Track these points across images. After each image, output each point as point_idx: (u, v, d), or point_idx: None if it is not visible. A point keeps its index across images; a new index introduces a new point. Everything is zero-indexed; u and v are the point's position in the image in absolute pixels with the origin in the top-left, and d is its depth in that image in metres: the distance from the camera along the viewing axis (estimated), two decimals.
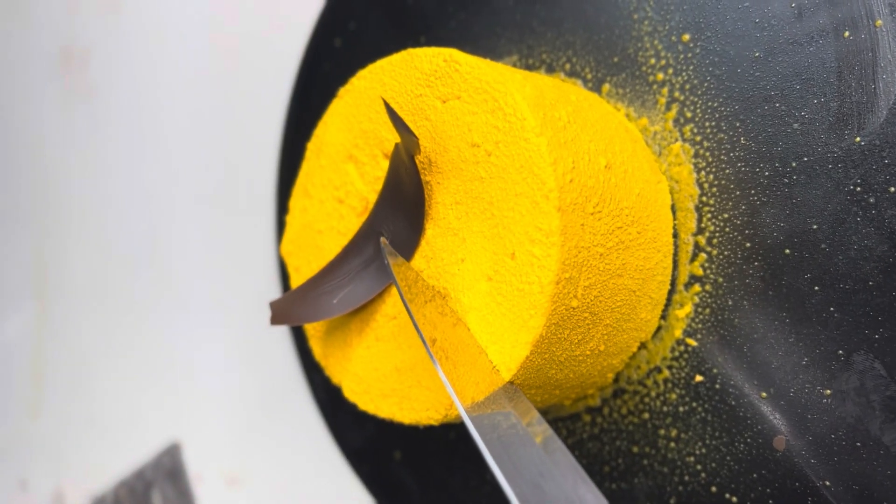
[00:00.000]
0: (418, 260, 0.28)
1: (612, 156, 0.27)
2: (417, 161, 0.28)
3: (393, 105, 0.29)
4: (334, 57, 0.41)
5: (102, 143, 0.62)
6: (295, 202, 0.32)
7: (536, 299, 0.25)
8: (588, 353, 0.28)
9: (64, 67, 0.65)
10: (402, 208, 0.28)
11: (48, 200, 0.67)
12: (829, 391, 0.27)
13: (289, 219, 0.32)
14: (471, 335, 0.26)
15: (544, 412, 0.33)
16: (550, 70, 0.34)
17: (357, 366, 0.30)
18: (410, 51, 0.28)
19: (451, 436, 0.37)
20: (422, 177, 0.28)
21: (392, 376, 0.29)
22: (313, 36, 0.41)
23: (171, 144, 0.58)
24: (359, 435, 0.41)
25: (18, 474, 0.64)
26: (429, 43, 0.38)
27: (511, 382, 0.26)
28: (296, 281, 0.32)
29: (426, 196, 0.28)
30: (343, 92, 0.30)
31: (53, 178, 0.67)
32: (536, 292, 0.25)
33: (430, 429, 0.38)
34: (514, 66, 0.35)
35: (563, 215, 0.25)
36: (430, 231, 0.28)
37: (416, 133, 0.28)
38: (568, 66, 0.33)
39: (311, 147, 0.31)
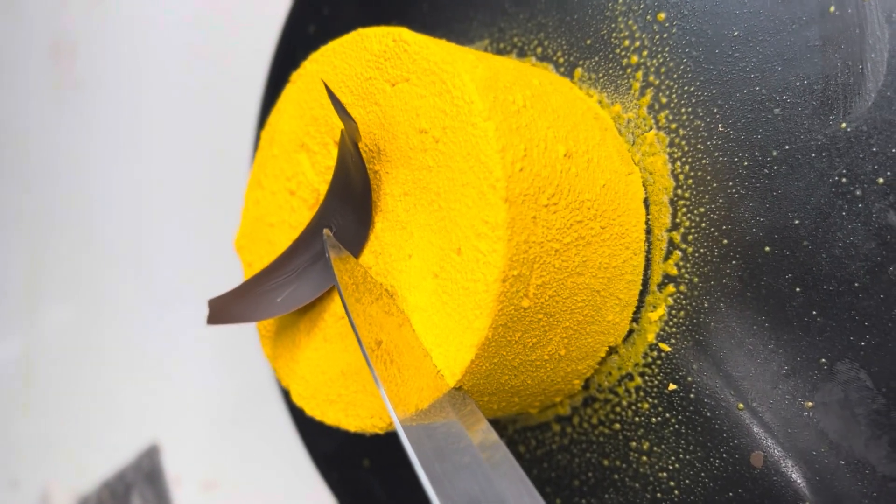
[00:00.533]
0: (367, 255, 0.26)
1: (573, 143, 0.25)
2: (365, 149, 0.26)
3: (343, 90, 0.27)
4: (309, 44, 0.39)
5: (90, 138, 0.61)
6: (249, 194, 0.30)
7: (481, 298, 0.23)
8: (546, 357, 0.26)
9: (54, 62, 0.64)
10: (349, 200, 0.26)
11: (36, 197, 0.67)
12: (810, 403, 0.24)
13: (243, 212, 0.30)
14: (416, 337, 0.24)
15: (511, 420, 0.31)
16: (522, 54, 0.32)
17: (304, 368, 0.28)
18: (360, 31, 0.26)
19: None
20: (371, 166, 0.26)
21: (338, 380, 0.27)
22: (287, 23, 0.40)
23: (151, 139, 0.57)
24: (330, 441, 0.39)
25: (10, 473, 0.64)
26: (401, 26, 0.36)
27: (459, 388, 0.24)
28: (249, 277, 0.30)
29: (375, 187, 0.26)
30: (295, 76, 0.28)
31: (39, 175, 0.66)
32: (481, 291, 0.23)
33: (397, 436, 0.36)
34: (486, 50, 0.33)
35: (510, 207, 0.23)
36: (380, 224, 0.26)
37: (366, 119, 0.26)
38: (539, 49, 0.31)
39: (264, 135, 0.29)
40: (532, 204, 0.23)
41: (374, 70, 0.26)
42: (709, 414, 0.26)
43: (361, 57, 0.26)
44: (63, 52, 0.64)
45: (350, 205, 0.26)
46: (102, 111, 0.61)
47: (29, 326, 0.67)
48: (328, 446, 0.39)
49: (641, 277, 0.27)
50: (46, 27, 0.65)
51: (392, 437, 0.36)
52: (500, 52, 0.33)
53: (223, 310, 0.27)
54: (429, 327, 0.24)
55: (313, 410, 0.28)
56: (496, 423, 0.32)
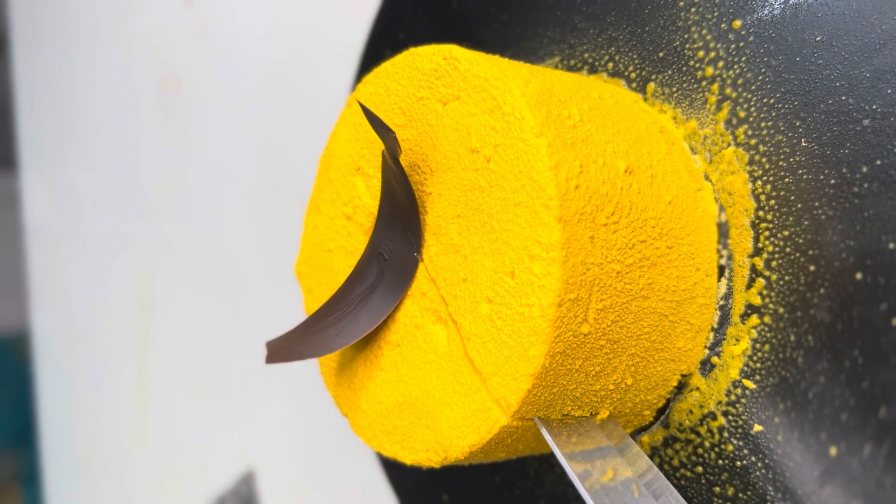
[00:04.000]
0: (421, 281, 0.25)
1: (635, 158, 0.24)
2: (417, 171, 0.25)
3: (395, 111, 0.26)
4: None
5: (193, 168, 0.63)
6: (308, 219, 0.30)
7: (536, 324, 0.22)
8: (612, 387, 0.24)
9: (161, 95, 0.66)
10: (398, 223, 0.25)
11: (147, 226, 0.69)
12: None
13: (302, 237, 0.30)
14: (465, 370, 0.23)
15: None
16: (593, 70, 0.30)
17: (361, 398, 0.27)
18: (412, 50, 0.26)
19: (497, 480, 0.34)
20: (423, 188, 0.25)
21: (394, 411, 0.26)
22: (365, 50, 0.40)
23: (244, 168, 0.58)
24: (411, 473, 0.38)
25: (126, 497, 0.66)
26: (473, 48, 0.36)
27: (614, 420, 0.23)
28: (308, 304, 0.29)
29: (428, 210, 0.25)
30: (351, 99, 0.28)
31: (150, 205, 0.68)
32: (537, 316, 0.22)
33: (475, 471, 0.35)
34: (556, 67, 0.32)
35: (565, 226, 0.21)
36: (434, 248, 0.25)
37: (418, 140, 0.25)
38: (611, 65, 0.30)
39: (322, 160, 0.29)
40: (589, 223, 0.22)
41: (425, 90, 0.25)
42: (798, 458, 0.24)
43: (413, 77, 0.25)
44: (169, 85, 0.66)
45: (399, 227, 0.25)
46: (202, 142, 0.62)
47: (140, 356, 0.70)
48: (409, 478, 0.38)
49: (715, 301, 0.25)
50: (154, 62, 0.67)
51: (470, 471, 0.34)
52: (570, 69, 0.32)
53: (283, 349, 0.26)
54: (484, 355, 0.23)
55: (371, 441, 0.27)
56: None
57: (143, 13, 0.69)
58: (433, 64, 0.25)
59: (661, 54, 0.28)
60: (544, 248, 0.21)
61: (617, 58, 0.30)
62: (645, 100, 0.29)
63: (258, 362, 0.55)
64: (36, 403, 0.88)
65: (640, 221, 0.23)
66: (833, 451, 0.23)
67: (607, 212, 0.22)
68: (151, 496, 0.69)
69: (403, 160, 0.26)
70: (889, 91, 0.23)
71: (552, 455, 0.30)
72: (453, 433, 0.24)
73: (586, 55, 0.31)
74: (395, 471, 0.40)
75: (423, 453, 0.25)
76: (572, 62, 0.31)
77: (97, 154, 0.76)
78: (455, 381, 0.24)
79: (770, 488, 0.24)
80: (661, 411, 0.27)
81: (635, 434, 0.28)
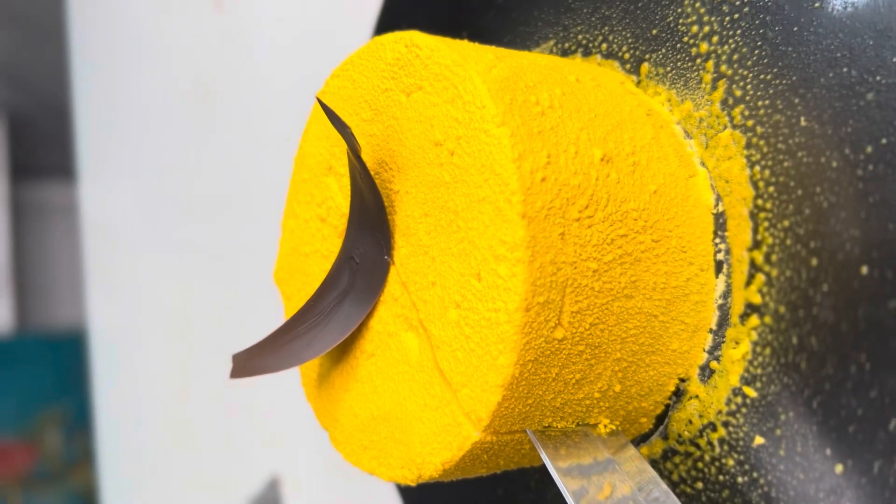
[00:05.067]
0: (393, 286, 0.24)
1: (614, 145, 0.22)
2: (384, 168, 0.24)
3: (363, 105, 0.24)
4: None
5: (230, 171, 0.63)
6: (285, 223, 0.28)
7: (503, 331, 0.20)
8: (598, 395, 0.22)
9: (194, 102, 0.66)
10: (367, 224, 0.24)
11: (187, 229, 0.69)
12: None
13: (280, 242, 0.28)
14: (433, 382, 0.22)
15: None
16: (587, 53, 0.28)
17: (339, 410, 0.25)
18: (376, 39, 0.24)
19: (499, 493, 0.32)
20: (391, 186, 0.24)
21: (370, 425, 0.24)
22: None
23: (276, 164, 0.57)
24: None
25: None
26: (471, 37, 0.34)
27: (619, 432, 0.21)
28: (288, 311, 0.28)
29: (397, 209, 0.23)
30: (319, 95, 0.26)
31: (189, 209, 0.68)
32: (503, 322, 0.20)
33: (479, 483, 0.33)
34: (550, 52, 0.30)
35: (529, 223, 0.19)
36: (404, 250, 0.23)
37: (384, 135, 0.24)
38: (605, 45, 0.28)
39: (296, 160, 0.28)
40: (559, 218, 0.20)
41: (389, 80, 0.23)
42: (801, 475, 0.22)
43: (377, 67, 0.24)
44: (201, 93, 0.66)
45: (368, 229, 0.24)
46: (237, 146, 0.62)
47: (183, 358, 0.70)
48: (415, 490, 0.36)
49: (713, 298, 0.23)
50: (187, 70, 0.67)
51: (475, 483, 0.33)
52: (565, 52, 0.30)
53: (248, 363, 0.25)
54: (454, 365, 0.21)
55: (349, 457, 0.25)
56: None
57: (175, 20, 0.69)
58: (395, 53, 0.23)
59: (654, 31, 0.26)
60: (508, 247, 0.20)
61: (611, 38, 0.28)
62: (639, 83, 0.26)
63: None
64: (92, 393, 0.91)
65: (620, 214, 0.21)
66: (839, 468, 0.21)
67: (580, 205, 0.20)
68: (186, 494, 0.70)
69: (371, 157, 0.24)
70: (894, 59, 0.20)
71: None
72: (425, 450, 0.22)
73: (580, 37, 0.29)
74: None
75: (399, 470, 0.23)
76: (567, 45, 0.30)
77: (141, 159, 0.77)
78: (426, 393, 0.22)
79: None
80: (660, 419, 0.25)
81: (634, 444, 0.26)
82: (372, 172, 0.24)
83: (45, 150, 1.83)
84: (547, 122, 0.21)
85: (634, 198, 0.21)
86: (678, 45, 0.26)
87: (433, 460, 0.22)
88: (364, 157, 0.24)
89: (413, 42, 0.22)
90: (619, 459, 0.23)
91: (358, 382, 0.25)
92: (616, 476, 0.22)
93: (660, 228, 0.22)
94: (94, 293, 0.90)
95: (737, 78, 0.24)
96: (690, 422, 0.24)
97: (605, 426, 0.23)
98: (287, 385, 0.54)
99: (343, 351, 0.25)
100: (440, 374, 0.22)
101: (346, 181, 0.25)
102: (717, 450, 0.24)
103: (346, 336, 0.24)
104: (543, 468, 0.29)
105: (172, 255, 0.71)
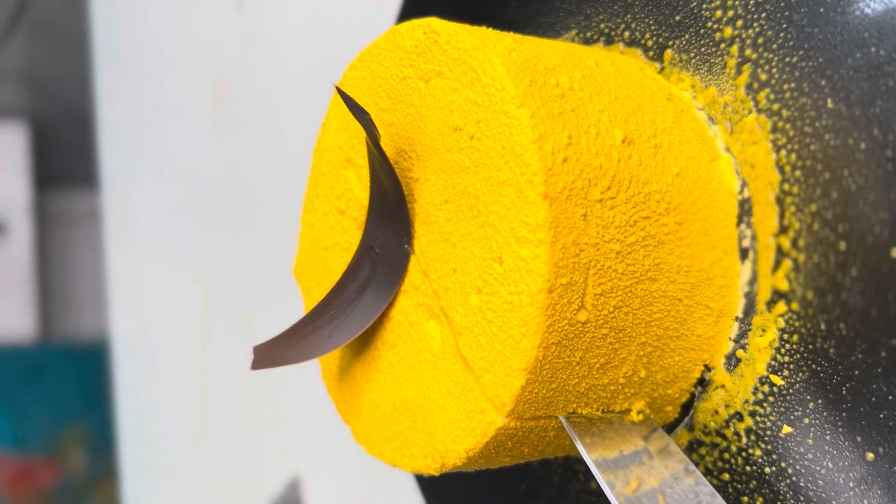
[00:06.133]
0: (414, 275, 0.23)
1: (635, 127, 0.21)
2: (403, 156, 0.24)
3: (381, 94, 0.24)
4: None
5: (248, 171, 0.63)
6: (304, 217, 0.28)
7: (526, 313, 0.20)
8: (623, 380, 0.22)
9: (215, 100, 0.66)
10: (386, 213, 0.24)
11: (206, 233, 0.69)
12: None
13: (299, 237, 0.28)
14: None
15: None
16: (609, 41, 0.28)
17: (361, 403, 0.25)
18: (393, 28, 0.24)
19: (522, 489, 0.32)
20: (410, 174, 0.23)
21: (392, 416, 0.24)
22: None
23: (295, 167, 0.57)
24: (439, 478, 0.36)
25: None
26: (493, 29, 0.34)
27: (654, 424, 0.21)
28: (308, 306, 0.28)
29: (417, 196, 0.23)
30: (338, 87, 0.26)
31: (208, 211, 0.69)
32: (526, 304, 0.20)
33: (501, 477, 0.32)
34: (572, 41, 0.30)
35: (552, 204, 0.19)
36: (425, 238, 0.23)
37: (403, 123, 0.24)
38: (627, 33, 0.28)
39: (315, 153, 0.28)
40: (581, 199, 0.20)
41: (408, 68, 0.23)
42: (830, 465, 0.21)
43: (395, 56, 0.24)
44: (223, 90, 0.66)
45: (388, 219, 0.24)
46: (257, 148, 0.62)
47: (201, 363, 0.70)
48: (437, 484, 0.36)
49: (737, 281, 0.23)
50: (208, 69, 0.68)
51: (497, 477, 0.32)
52: (587, 42, 0.29)
53: (270, 354, 0.25)
54: (476, 351, 0.21)
55: (372, 449, 0.25)
56: (580, 461, 0.28)
57: (196, 22, 0.69)
58: (413, 40, 0.23)
59: (677, 17, 0.26)
60: (530, 228, 0.19)
61: (633, 25, 0.28)
62: (662, 70, 0.26)
63: (308, 367, 0.54)
64: (115, 405, 0.92)
65: (643, 196, 0.21)
66: (870, 455, 0.20)
67: (602, 186, 0.20)
68: (210, 500, 0.70)
69: (390, 146, 0.24)
70: None
71: (577, 461, 0.28)
72: (449, 437, 0.22)
73: (602, 25, 0.29)
74: (422, 476, 0.38)
75: (422, 460, 0.23)
76: (589, 34, 0.29)
77: (163, 165, 0.78)
78: (449, 380, 0.22)
79: (802, 498, 0.22)
80: (685, 408, 0.24)
81: None
82: (391, 162, 0.24)
83: (69, 158, 1.84)
84: (567, 103, 0.20)
85: (657, 180, 0.21)
86: (702, 31, 0.25)
87: (457, 448, 0.21)
88: (383, 146, 0.24)
89: (431, 28, 0.22)
90: (649, 451, 0.22)
91: (379, 373, 0.24)
92: (643, 469, 0.22)
93: (683, 211, 0.21)
94: (117, 302, 0.91)
95: (762, 62, 0.24)
96: (716, 412, 0.24)
97: (639, 412, 0.22)
98: (306, 388, 0.54)
99: (364, 342, 0.25)
100: (463, 361, 0.21)
101: (365, 173, 0.25)
102: (744, 440, 0.23)
103: (367, 327, 0.24)
104: (567, 464, 0.29)
105: (194, 262, 0.72)
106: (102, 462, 1.71)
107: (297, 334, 0.25)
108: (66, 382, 1.74)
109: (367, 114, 0.22)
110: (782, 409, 0.22)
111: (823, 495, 0.21)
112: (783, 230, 0.22)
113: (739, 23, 0.24)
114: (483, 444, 0.21)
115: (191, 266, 0.72)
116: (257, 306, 0.62)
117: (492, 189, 0.20)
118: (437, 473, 0.23)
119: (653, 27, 0.27)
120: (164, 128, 0.77)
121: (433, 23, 0.22)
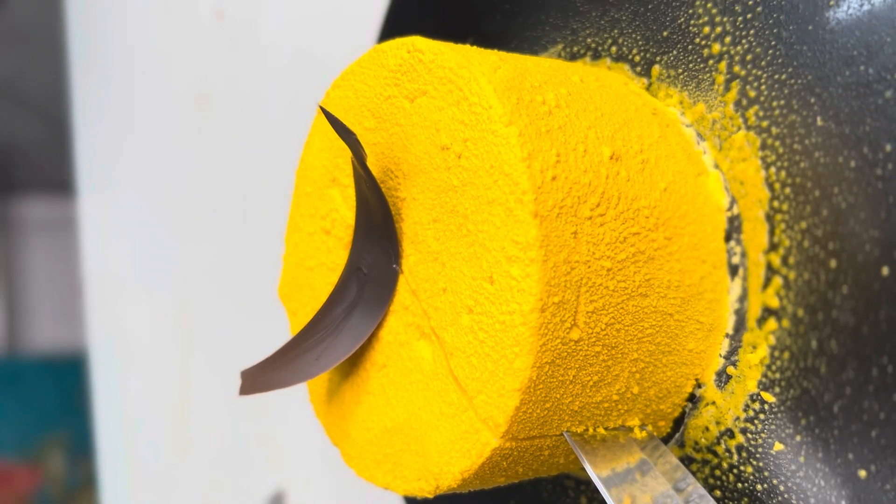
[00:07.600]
0: (403, 294, 0.23)
1: (622, 143, 0.21)
2: (390, 175, 0.23)
3: (365, 114, 0.24)
4: None
5: (230, 182, 0.62)
6: (288, 237, 0.28)
7: (519, 333, 0.19)
8: (616, 397, 0.22)
9: (197, 110, 0.66)
10: (374, 233, 0.23)
11: (185, 245, 0.69)
12: None
13: (284, 257, 0.28)
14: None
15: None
16: (596, 56, 0.28)
17: (351, 425, 0.25)
18: (377, 46, 0.24)
19: None
20: (397, 194, 0.23)
21: (383, 438, 0.24)
22: None
23: (278, 178, 0.57)
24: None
25: None
26: (477, 43, 0.34)
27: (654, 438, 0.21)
28: (294, 327, 0.28)
29: (404, 216, 0.23)
30: (322, 107, 0.26)
31: (190, 225, 0.68)
32: (518, 324, 0.19)
33: (490, 496, 0.32)
34: (558, 56, 0.30)
35: (542, 222, 0.19)
36: (413, 258, 0.23)
37: (389, 143, 0.23)
38: (614, 48, 0.28)
39: (298, 173, 0.27)
40: (571, 217, 0.20)
41: (392, 87, 0.23)
42: (822, 482, 0.21)
43: (379, 75, 0.23)
44: (203, 101, 0.66)
45: (376, 239, 0.23)
46: (239, 159, 0.62)
47: (181, 374, 0.70)
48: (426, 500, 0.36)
49: (726, 295, 0.23)
50: (189, 82, 0.67)
51: (485, 497, 0.32)
52: (573, 56, 0.29)
53: (258, 378, 0.25)
54: (469, 371, 0.21)
55: (363, 472, 0.25)
56: (569, 477, 0.28)
57: (175, 31, 0.69)
58: (398, 59, 0.23)
59: (665, 33, 0.26)
60: (521, 247, 0.19)
61: (620, 40, 0.28)
62: (650, 85, 0.26)
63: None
64: (93, 415, 0.90)
65: (632, 212, 0.21)
66: (862, 473, 0.20)
67: (591, 203, 0.20)
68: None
69: (376, 166, 0.24)
70: None
71: (566, 478, 0.28)
72: (443, 459, 0.21)
73: (589, 40, 0.29)
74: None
75: (415, 482, 0.22)
76: (575, 49, 0.29)
77: (141, 173, 0.77)
78: (441, 401, 0.22)
79: None
80: (677, 422, 0.24)
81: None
82: (377, 181, 0.23)
83: (35, 166, 1.82)
84: (554, 121, 0.20)
85: (645, 195, 0.21)
86: (690, 47, 0.25)
87: (451, 469, 0.21)
88: (369, 166, 0.23)
89: (415, 47, 0.22)
90: (643, 468, 0.22)
91: (370, 395, 0.24)
92: (636, 487, 0.22)
93: (672, 226, 0.21)
94: (95, 311, 0.89)
95: (750, 78, 0.24)
96: (707, 429, 0.24)
97: (641, 427, 0.22)
98: (291, 401, 0.53)
99: (353, 364, 0.25)
100: (455, 382, 0.21)
101: (350, 192, 0.25)
102: (735, 457, 0.23)
103: (356, 348, 0.24)
104: (557, 480, 0.29)
105: (173, 271, 0.71)
106: (82, 470, 1.70)
107: (285, 357, 0.25)
108: (42, 391, 1.72)
109: (353, 134, 0.22)
110: (773, 427, 0.22)
111: None
112: (773, 247, 0.23)
113: (728, 39, 0.24)
114: (478, 465, 0.21)
115: (170, 274, 0.71)
116: (237, 315, 0.61)
117: (481, 208, 0.20)
118: (430, 496, 0.22)
119: (640, 43, 0.27)
120: (143, 136, 0.76)
121: (417, 41, 0.22)
